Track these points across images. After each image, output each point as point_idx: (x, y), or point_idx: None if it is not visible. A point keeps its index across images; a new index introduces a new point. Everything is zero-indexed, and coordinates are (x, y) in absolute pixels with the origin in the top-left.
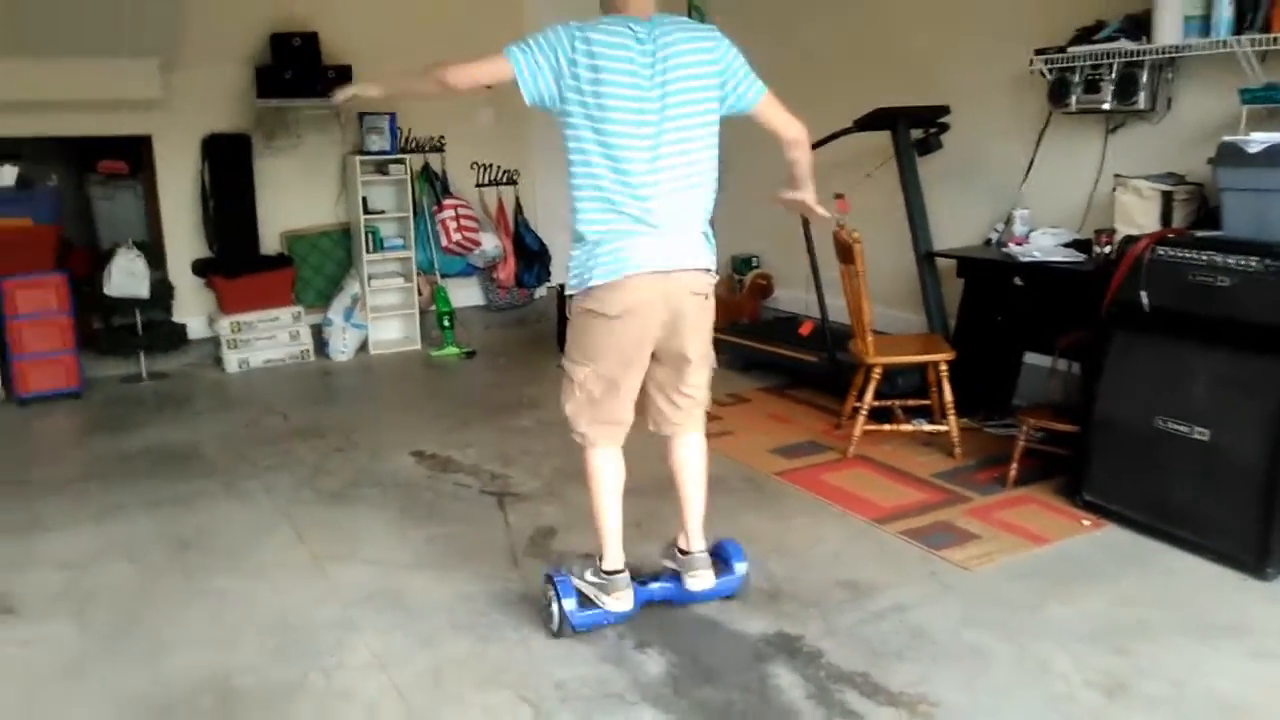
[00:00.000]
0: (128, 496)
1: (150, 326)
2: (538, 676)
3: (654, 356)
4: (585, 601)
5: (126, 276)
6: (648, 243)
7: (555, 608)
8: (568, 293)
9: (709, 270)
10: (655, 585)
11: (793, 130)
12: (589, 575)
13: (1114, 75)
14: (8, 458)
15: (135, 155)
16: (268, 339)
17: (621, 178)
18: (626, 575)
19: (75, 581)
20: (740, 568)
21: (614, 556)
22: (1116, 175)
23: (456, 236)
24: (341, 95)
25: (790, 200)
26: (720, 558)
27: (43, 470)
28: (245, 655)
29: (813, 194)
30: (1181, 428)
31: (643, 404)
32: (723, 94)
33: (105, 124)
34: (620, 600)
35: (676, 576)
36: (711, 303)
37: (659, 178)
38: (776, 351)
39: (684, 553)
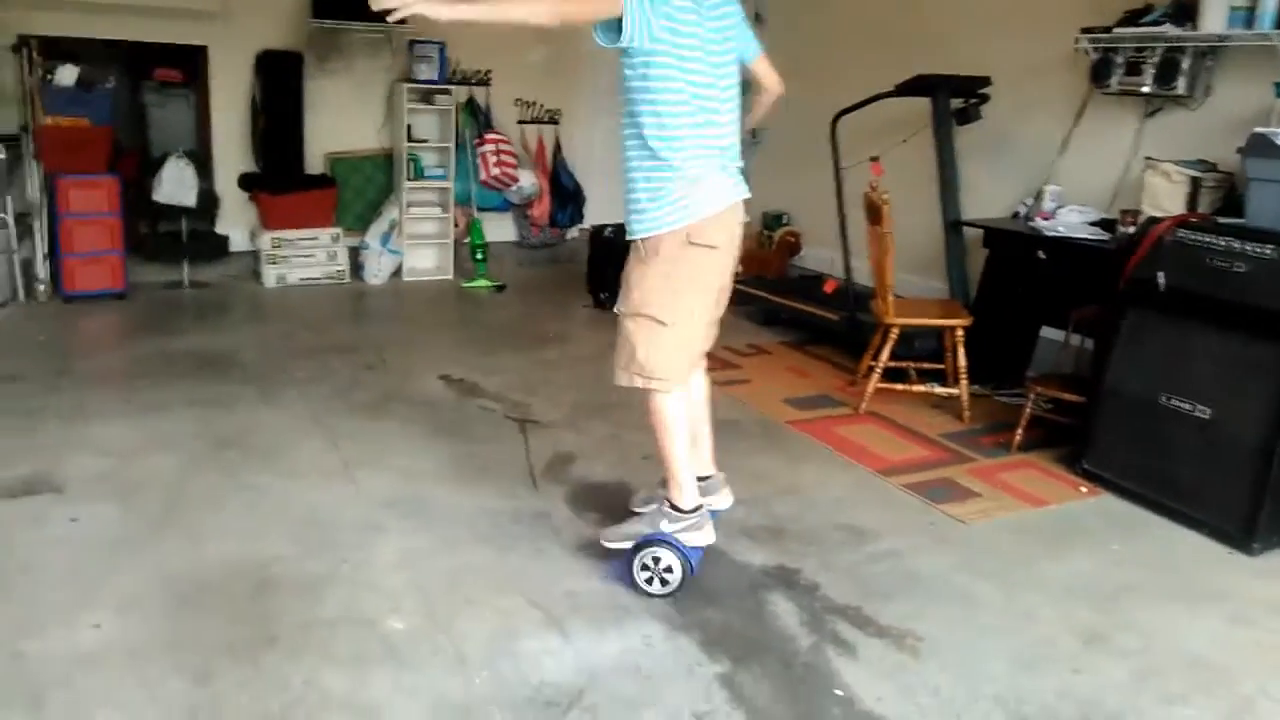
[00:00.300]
0: (169, 394)
1: (195, 235)
2: (550, 586)
3: None
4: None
5: (175, 184)
6: (728, 177)
7: (676, 565)
8: (650, 233)
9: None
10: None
11: (778, 85)
12: (677, 523)
13: (1156, 59)
14: (54, 350)
15: (191, 65)
16: (306, 257)
17: (709, 116)
18: (706, 506)
19: (119, 468)
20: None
21: (694, 493)
22: (1147, 158)
23: (495, 171)
24: (399, 11)
25: None
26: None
27: (87, 363)
28: (279, 546)
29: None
30: (1184, 405)
31: None
32: (734, 45)
33: (163, 31)
34: (709, 532)
35: None
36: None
37: (728, 118)
38: (799, 307)
39: (703, 478)
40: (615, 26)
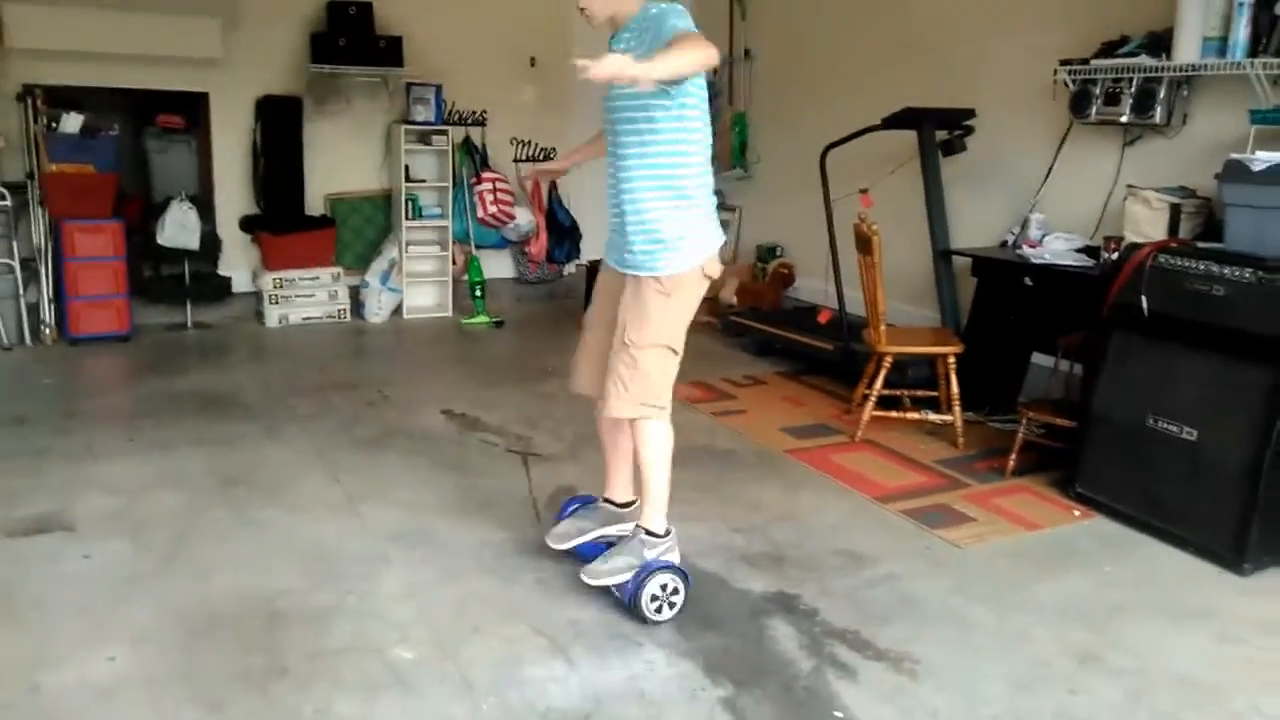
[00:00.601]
0: (175, 433)
1: (197, 277)
2: (554, 614)
3: None
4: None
5: (178, 228)
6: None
7: (681, 586)
8: (679, 270)
9: None
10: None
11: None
12: (659, 547)
13: (1133, 89)
14: (61, 392)
15: (192, 111)
16: (307, 297)
17: (709, 153)
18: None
19: (128, 506)
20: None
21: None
22: (1128, 185)
23: (492, 209)
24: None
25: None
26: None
27: (94, 405)
28: (286, 579)
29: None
30: (1171, 427)
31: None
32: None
33: (166, 79)
34: (677, 552)
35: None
36: None
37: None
38: (794, 338)
39: (629, 503)
40: None
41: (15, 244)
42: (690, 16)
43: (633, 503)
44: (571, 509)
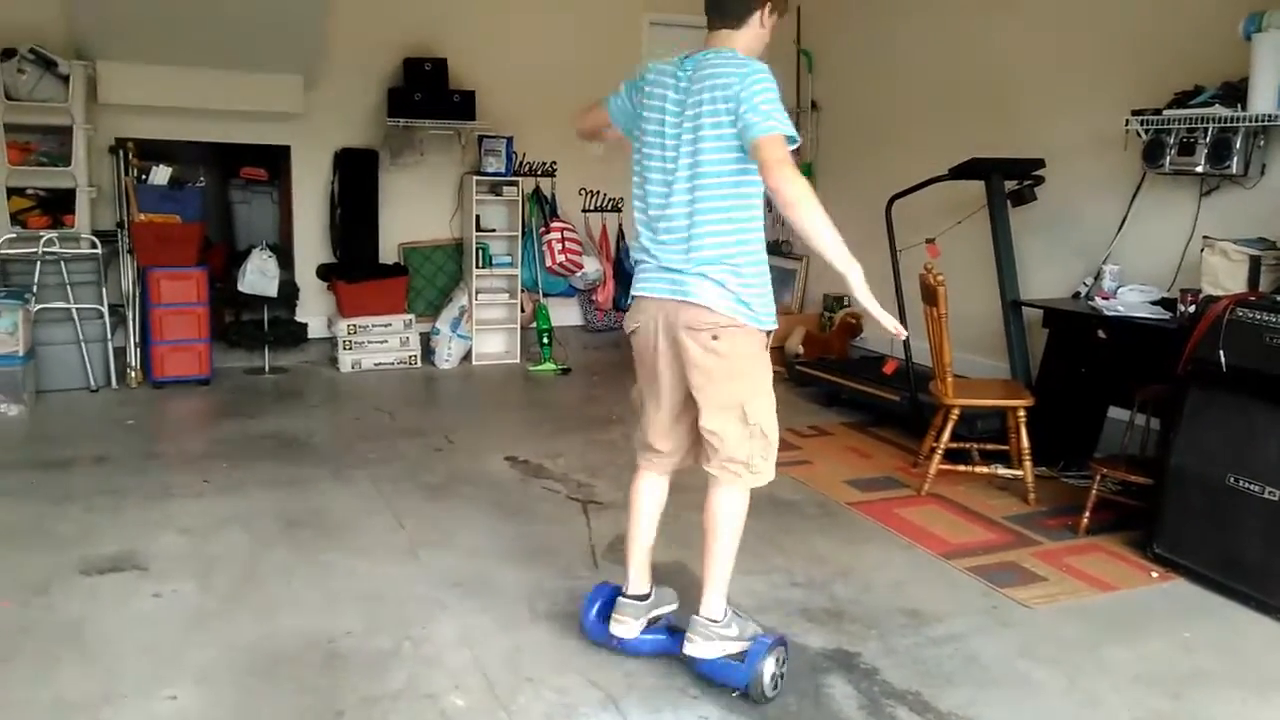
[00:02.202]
0: (247, 475)
1: (276, 324)
2: (609, 666)
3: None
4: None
5: (259, 275)
6: (653, 270)
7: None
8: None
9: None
10: (651, 636)
11: (772, 179)
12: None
13: (1208, 139)
14: (142, 433)
15: (274, 163)
16: (380, 343)
17: (644, 208)
18: (637, 605)
19: (199, 546)
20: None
21: (631, 581)
22: (1205, 237)
23: (561, 258)
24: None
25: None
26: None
27: (172, 446)
28: (346, 622)
29: (850, 273)
30: (1254, 487)
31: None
32: (735, 129)
33: (250, 133)
34: (619, 625)
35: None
36: (723, 346)
37: (676, 211)
38: (860, 388)
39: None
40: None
41: (105, 290)
42: (626, 83)
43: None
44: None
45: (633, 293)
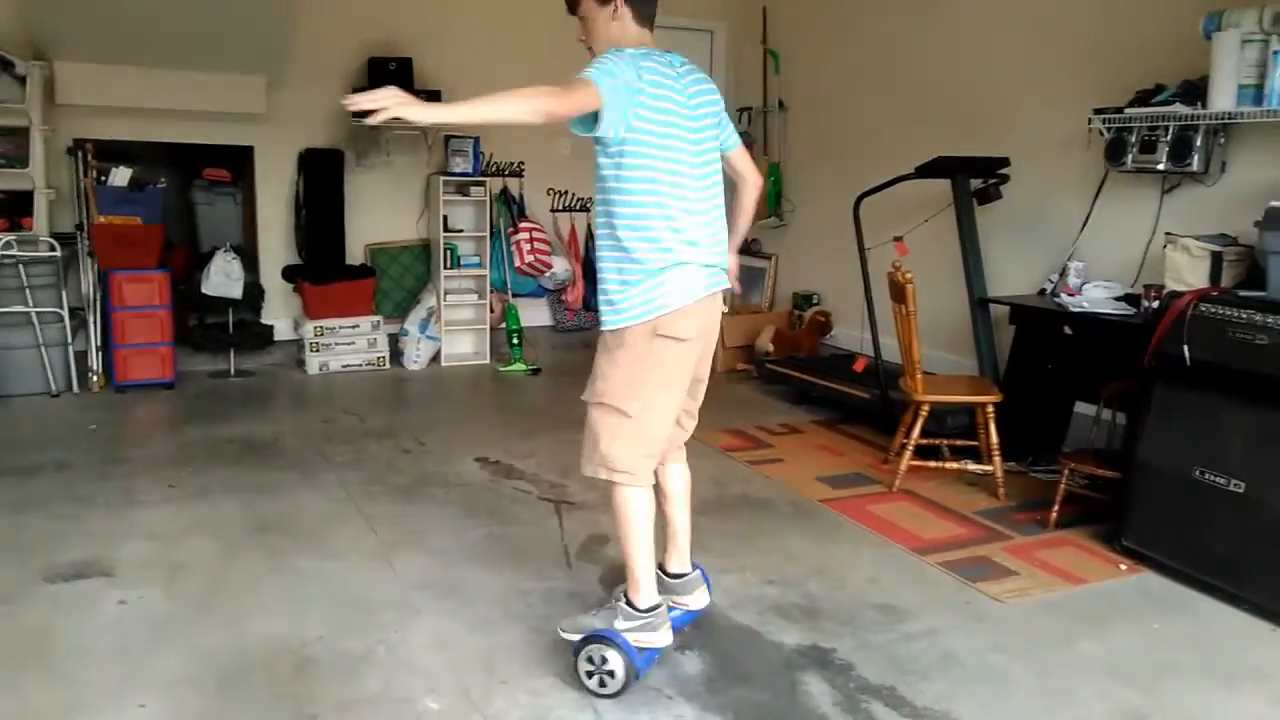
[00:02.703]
0: (214, 480)
1: (241, 326)
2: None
3: None
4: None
5: (223, 278)
6: (701, 269)
7: (619, 666)
8: (619, 325)
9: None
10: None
11: (756, 177)
12: (630, 622)
13: (1169, 137)
14: (105, 438)
15: (237, 164)
16: (347, 345)
17: (687, 206)
18: (665, 606)
19: (165, 552)
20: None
21: (652, 593)
22: (1168, 233)
23: (529, 258)
24: (377, 115)
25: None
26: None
27: (136, 451)
28: (317, 627)
29: (735, 253)
30: (1219, 479)
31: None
32: (718, 133)
33: (212, 133)
34: (666, 634)
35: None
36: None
37: (708, 205)
38: (831, 386)
39: (678, 575)
40: (592, 117)
41: (65, 293)
42: (622, 62)
43: (685, 574)
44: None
45: (679, 301)
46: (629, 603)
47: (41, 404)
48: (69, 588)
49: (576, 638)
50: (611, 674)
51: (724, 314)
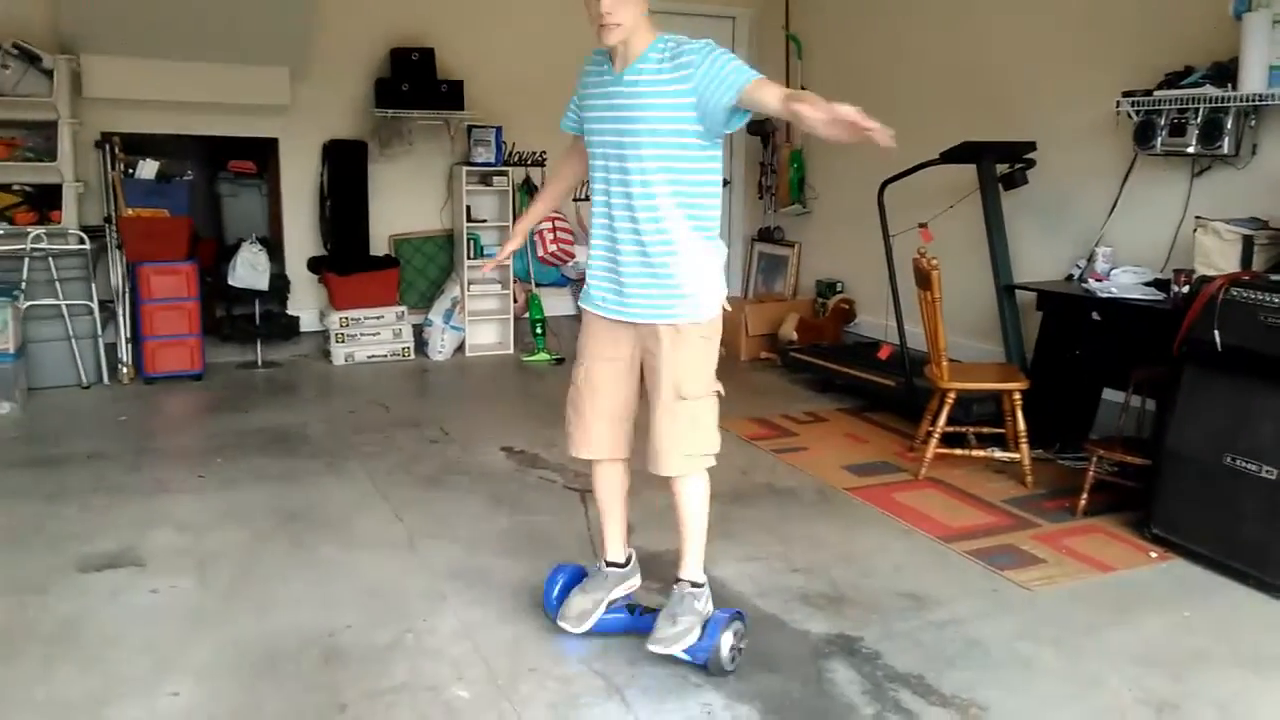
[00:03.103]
0: (242, 470)
1: (267, 317)
2: (611, 655)
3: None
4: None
5: (249, 269)
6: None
7: (743, 630)
8: (712, 315)
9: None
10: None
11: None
12: (706, 601)
13: (1199, 120)
14: (135, 429)
15: (262, 156)
16: (372, 335)
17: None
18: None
19: (195, 542)
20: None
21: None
22: (1198, 217)
23: (552, 248)
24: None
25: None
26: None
27: (166, 442)
28: (345, 616)
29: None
30: (1250, 465)
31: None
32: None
33: (238, 125)
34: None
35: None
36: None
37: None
38: (855, 374)
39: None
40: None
41: (94, 286)
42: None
43: (629, 560)
44: (562, 583)
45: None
46: (694, 584)
47: (73, 396)
48: (101, 577)
49: (693, 637)
50: (744, 638)
51: (747, 302)
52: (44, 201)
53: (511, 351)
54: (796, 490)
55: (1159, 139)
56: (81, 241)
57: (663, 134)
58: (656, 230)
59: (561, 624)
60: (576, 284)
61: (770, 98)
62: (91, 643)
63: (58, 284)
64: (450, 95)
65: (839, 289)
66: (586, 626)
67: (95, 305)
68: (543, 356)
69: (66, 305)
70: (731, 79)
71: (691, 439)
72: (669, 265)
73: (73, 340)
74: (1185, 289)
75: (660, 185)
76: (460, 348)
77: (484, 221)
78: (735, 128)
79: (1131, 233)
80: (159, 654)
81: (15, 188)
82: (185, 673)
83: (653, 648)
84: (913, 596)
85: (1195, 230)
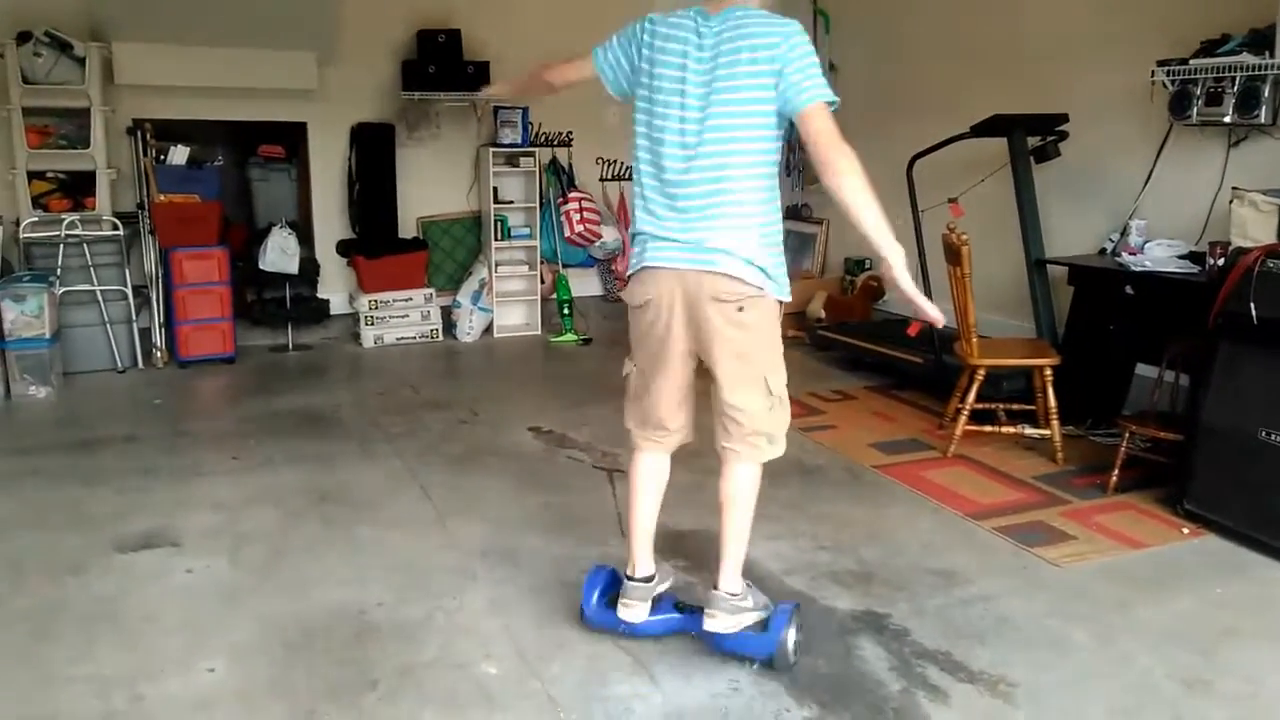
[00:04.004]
0: (274, 451)
1: (297, 301)
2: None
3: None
4: (613, 603)
5: (279, 253)
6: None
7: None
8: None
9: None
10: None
11: (824, 150)
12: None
13: (1236, 89)
14: (169, 412)
15: (291, 141)
16: (401, 318)
17: (655, 170)
18: (644, 587)
19: (229, 522)
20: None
21: (638, 564)
22: (1234, 188)
23: (579, 228)
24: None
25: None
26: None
27: (200, 424)
28: (377, 593)
29: (892, 256)
30: None
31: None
32: (778, 94)
33: (267, 111)
34: (628, 610)
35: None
36: (749, 317)
37: (692, 177)
38: (884, 351)
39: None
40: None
41: (128, 271)
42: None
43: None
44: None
45: (642, 263)
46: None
47: (108, 380)
48: (138, 557)
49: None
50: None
51: None
52: (78, 188)
53: (539, 332)
54: (825, 468)
55: (1195, 109)
56: (115, 228)
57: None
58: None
59: (627, 618)
60: (603, 264)
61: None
62: (129, 621)
63: (92, 270)
64: (476, 76)
65: (867, 266)
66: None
67: (129, 290)
68: (570, 337)
69: (101, 291)
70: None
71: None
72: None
73: (108, 325)
74: (1221, 261)
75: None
76: (488, 329)
77: (511, 203)
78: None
79: (1166, 205)
80: (195, 632)
81: (49, 175)
82: (220, 650)
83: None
84: (941, 573)
85: (1231, 201)
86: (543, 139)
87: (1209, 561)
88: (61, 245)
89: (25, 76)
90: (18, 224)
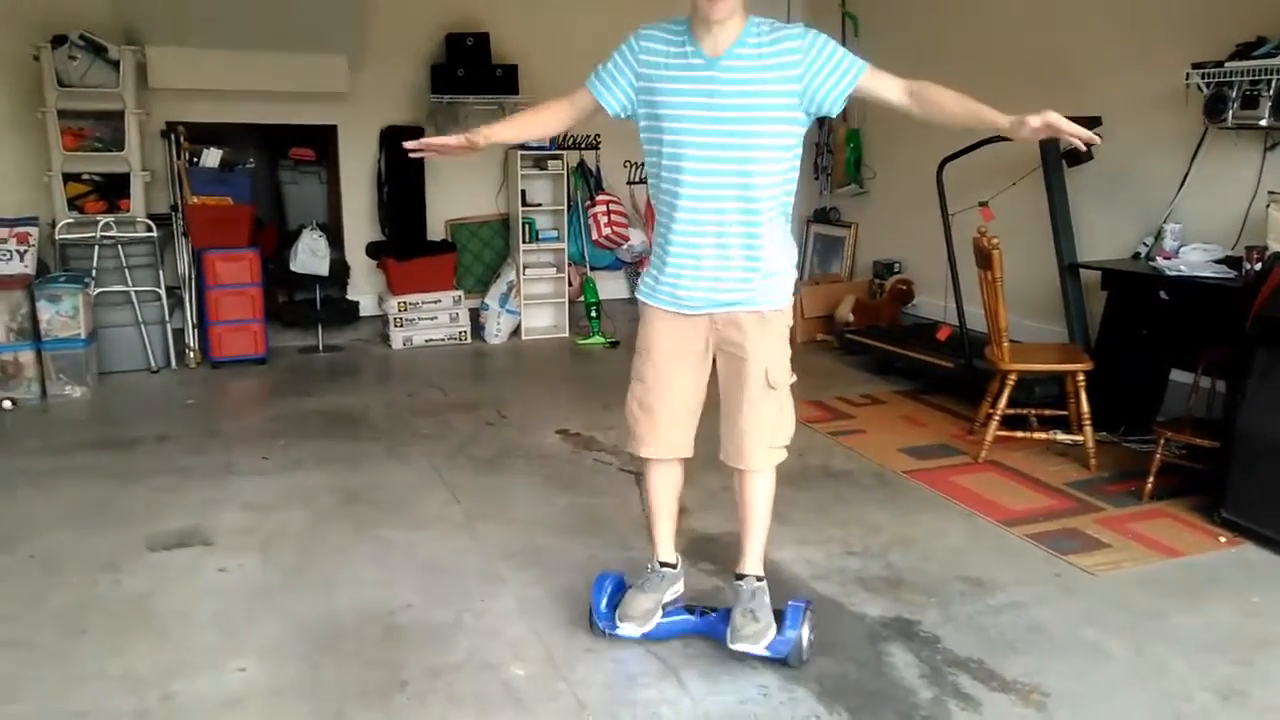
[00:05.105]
0: (304, 452)
1: (328, 302)
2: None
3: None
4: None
5: (310, 255)
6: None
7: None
8: (789, 302)
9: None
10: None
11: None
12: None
13: (1273, 91)
14: (202, 412)
15: (322, 143)
16: (430, 319)
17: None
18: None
19: (261, 522)
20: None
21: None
22: (1270, 192)
23: (607, 230)
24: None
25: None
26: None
27: (231, 425)
28: (406, 595)
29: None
30: None
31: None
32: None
33: (298, 114)
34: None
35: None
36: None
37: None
38: (914, 356)
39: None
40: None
41: (161, 273)
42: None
43: (677, 563)
44: (609, 591)
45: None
46: (759, 578)
47: (142, 380)
48: (171, 556)
49: (773, 631)
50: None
51: (803, 284)
52: (112, 190)
53: (567, 335)
54: (854, 473)
55: (1230, 112)
56: (149, 229)
57: (765, 121)
58: (749, 215)
59: (622, 625)
60: (631, 267)
61: (888, 90)
62: (161, 619)
63: (127, 271)
64: (505, 80)
65: (896, 269)
66: (649, 627)
67: (163, 291)
68: (598, 340)
69: (135, 292)
70: (848, 66)
71: (778, 429)
72: (761, 250)
73: (141, 326)
74: (1258, 266)
75: (758, 171)
76: (516, 331)
77: (539, 205)
78: (836, 113)
79: (1201, 209)
80: (226, 630)
81: (85, 177)
82: (251, 649)
83: (738, 646)
84: (972, 580)
85: (1268, 205)
86: (570, 142)
87: (1246, 570)
88: (96, 247)
89: (60, 79)
90: (54, 225)
